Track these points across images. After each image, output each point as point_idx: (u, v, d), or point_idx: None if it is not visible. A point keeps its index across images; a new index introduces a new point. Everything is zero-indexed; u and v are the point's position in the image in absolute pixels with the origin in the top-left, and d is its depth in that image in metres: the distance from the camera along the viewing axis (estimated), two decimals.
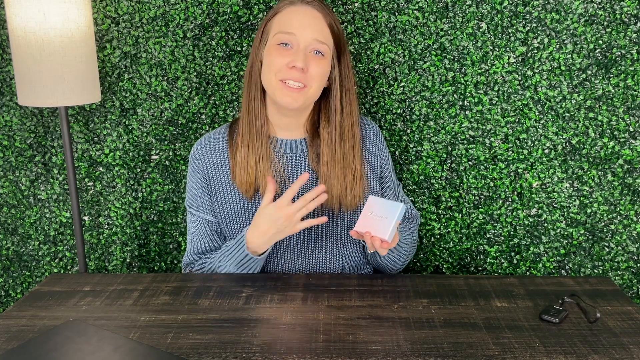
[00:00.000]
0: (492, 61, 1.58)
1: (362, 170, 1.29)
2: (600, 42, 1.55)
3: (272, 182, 1.19)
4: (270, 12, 1.26)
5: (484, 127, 1.63)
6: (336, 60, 1.26)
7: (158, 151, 1.69)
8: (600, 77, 1.57)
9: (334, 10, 1.57)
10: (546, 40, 1.56)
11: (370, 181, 1.33)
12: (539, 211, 1.67)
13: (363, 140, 1.34)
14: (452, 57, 1.59)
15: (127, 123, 1.68)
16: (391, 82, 1.62)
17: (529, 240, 1.70)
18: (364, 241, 1.25)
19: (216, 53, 1.61)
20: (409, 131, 1.65)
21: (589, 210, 1.66)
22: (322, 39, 1.22)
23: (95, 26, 1.61)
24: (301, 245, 1.30)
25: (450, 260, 1.74)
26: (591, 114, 1.60)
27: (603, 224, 1.67)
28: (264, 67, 1.23)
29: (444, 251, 1.74)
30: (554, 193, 1.66)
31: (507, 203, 1.67)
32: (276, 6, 1.25)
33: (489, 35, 1.56)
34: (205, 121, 1.66)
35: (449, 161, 1.66)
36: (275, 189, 1.19)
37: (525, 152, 1.63)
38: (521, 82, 1.59)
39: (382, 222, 1.12)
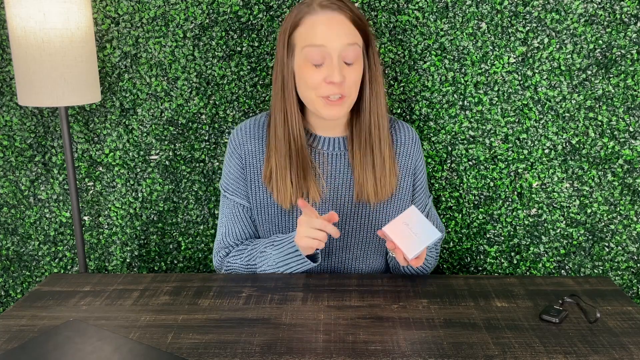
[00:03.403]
0: (492, 61, 1.58)
1: (391, 161, 1.28)
2: (600, 42, 1.55)
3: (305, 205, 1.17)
4: (289, 24, 1.20)
5: (484, 127, 1.63)
6: (365, 53, 1.24)
7: (158, 151, 1.69)
8: (600, 77, 1.57)
9: None
10: (546, 40, 1.56)
11: (401, 189, 1.32)
12: (539, 211, 1.67)
13: (398, 145, 1.32)
14: (452, 57, 1.59)
15: (127, 123, 1.68)
16: (391, 82, 1.62)
17: (529, 240, 1.70)
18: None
19: (216, 53, 1.61)
20: None
21: (589, 210, 1.66)
22: (351, 40, 1.18)
23: (95, 26, 1.61)
24: (326, 244, 1.30)
25: (450, 260, 1.74)
26: (591, 114, 1.60)
27: (603, 224, 1.67)
28: (300, 83, 1.21)
29: (444, 251, 1.74)
30: (554, 193, 1.66)
31: (507, 203, 1.67)
32: (293, 17, 1.20)
33: (489, 35, 1.56)
34: (205, 121, 1.66)
35: (449, 161, 1.66)
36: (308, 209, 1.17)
37: (525, 152, 1.63)
38: (521, 82, 1.59)
39: (412, 240, 1.11)
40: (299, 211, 1.28)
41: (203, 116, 1.66)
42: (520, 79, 1.59)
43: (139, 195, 1.73)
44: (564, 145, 1.62)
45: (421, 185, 1.37)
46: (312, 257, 1.26)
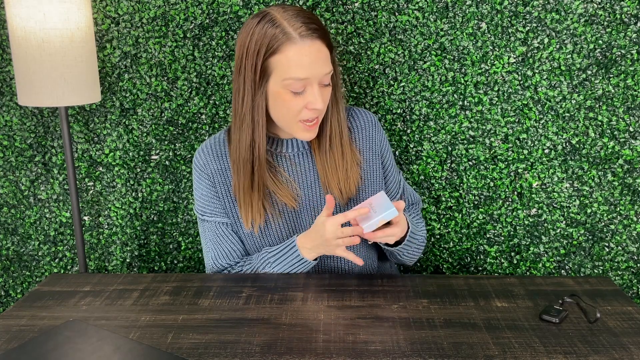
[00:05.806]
0: (492, 61, 1.58)
1: (354, 157, 1.29)
2: (600, 42, 1.55)
3: (331, 199, 1.17)
4: (262, 47, 1.15)
5: (484, 127, 1.63)
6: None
7: (158, 151, 1.69)
8: (600, 77, 1.57)
9: (333, 10, 1.57)
10: (546, 40, 1.56)
11: (372, 171, 1.33)
12: (539, 211, 1.67)
13: (359, 131, 1.33)
14: (452, 57, 1.59)
15: (127, 123, 1.68)
16: (391, 82, 1.62)
17: (529, 240, 1.70)
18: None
19: (216, 53, 1.61)
20: (409, 131, 1.65)
21: (589, 210, 1.66)
22: (329, 68, 1.19)
23: (95, 26, 1.61)
24: None
25: (450, 260, 1.74)
26: (591, 114, 1.60)
27: (603, 224, 1.67)
28: (277, 108, 1.20)
29: (444, 251, 1.74)
30: (554, 193, 1.66)
31: (507, 203, 1.67)
32: (268, 41, 1.15)
33: (489, 35, 1.56)
34: (205, 121, 1.66)
35: (449, 161, 1.66)
36: (333, 206, 1.17)
37: (525, 152, 1.63)
38: (521, 82, 1.59)
39: (370, 216, 1.13)
40: (285, 220, 1.28)
41: (203, 116, 1.66)
42: (520, 79, 1.59)
43: (139, 195, 1.73)
44: (564, 145, 1.62)
45: (390, 164, 1.38)
46: None
